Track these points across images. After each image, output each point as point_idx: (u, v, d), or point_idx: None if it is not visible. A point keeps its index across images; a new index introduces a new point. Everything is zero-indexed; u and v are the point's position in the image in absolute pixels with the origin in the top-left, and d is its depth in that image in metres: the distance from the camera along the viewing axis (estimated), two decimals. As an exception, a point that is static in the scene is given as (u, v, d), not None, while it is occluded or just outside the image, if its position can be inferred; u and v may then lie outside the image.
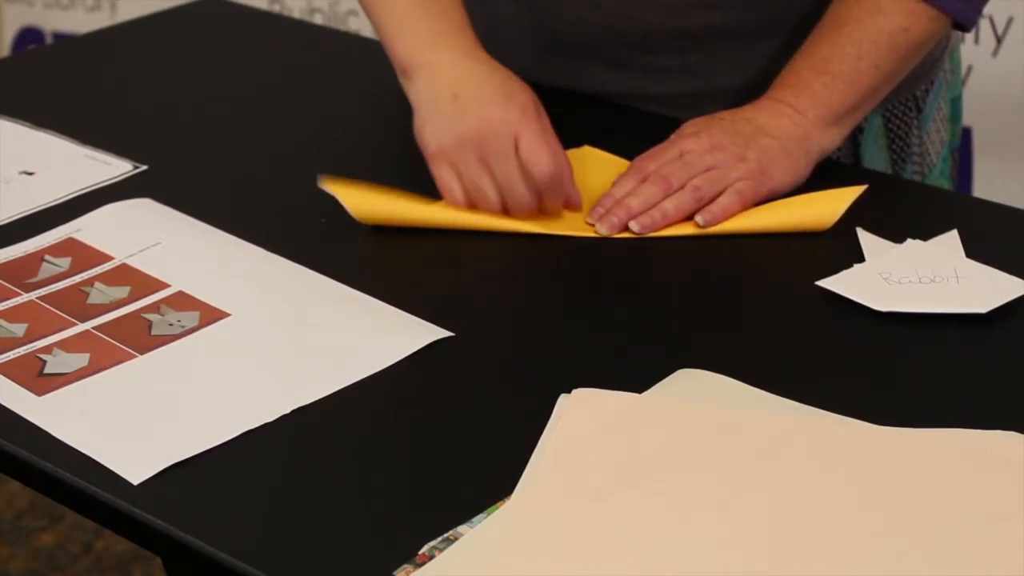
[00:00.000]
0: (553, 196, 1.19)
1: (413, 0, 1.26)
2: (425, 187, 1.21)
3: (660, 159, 1.22)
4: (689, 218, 1.19)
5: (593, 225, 1.19)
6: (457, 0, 1.26)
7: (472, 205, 1.19)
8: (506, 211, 1.19)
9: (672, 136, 1.24)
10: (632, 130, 1.32)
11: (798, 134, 1.22)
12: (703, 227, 1.18)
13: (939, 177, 1.46)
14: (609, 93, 1.37)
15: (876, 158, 1.39)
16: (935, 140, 1.43)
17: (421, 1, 1.26)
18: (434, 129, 1.20)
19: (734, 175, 1.19)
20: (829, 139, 1.24)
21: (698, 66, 1.34)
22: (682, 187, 1.19)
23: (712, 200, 1.19)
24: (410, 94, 1.24)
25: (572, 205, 1.20)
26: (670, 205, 1.19)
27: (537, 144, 1.17)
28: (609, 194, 1.21)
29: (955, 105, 1.46)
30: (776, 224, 1.18)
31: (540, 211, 1.19)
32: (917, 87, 1.39)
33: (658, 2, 1.31)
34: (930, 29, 1.26)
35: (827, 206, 1.18)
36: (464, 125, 1.18)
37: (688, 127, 1.24)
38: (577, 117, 1.33)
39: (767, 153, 1.20)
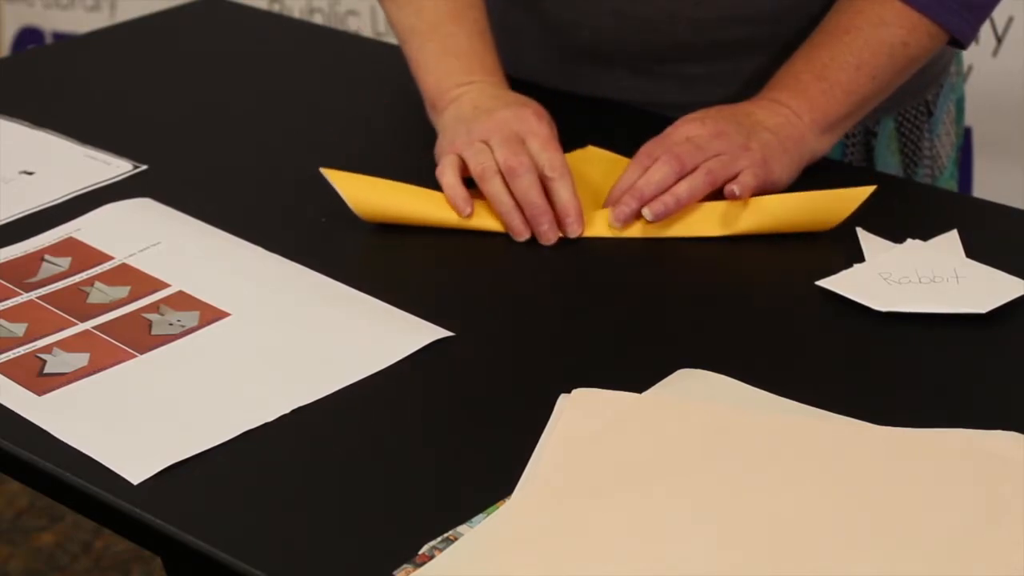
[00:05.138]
0: (559, 190, 1.18)
1: (448, 36, 1.29)
2: (426, 187, 1.21)
3: (666, 143, 1.21)
4: (705, 198, 1.18)
5: (595, 224, 1.19)
6: (490, 42, 1.30)
7: (477, 195, 1.19)
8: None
9: (673, 125, 1.23)
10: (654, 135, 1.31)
11: (795, 135, 1.22)
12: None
13: (949, 179, 1.46)
14: (634, 100, 1.36)
15: (889, 163, 1.39)
16: (945, 143, 1.44)
17: (454, 39, 1.30)
18: (452, 137, 1.23)
19: (742, 163, 1.19)
20: (820, 145, 1.24)
21: (725, 75, 1.34)
22: (695, 169, 1.18)
23: (723, 185, 1.19)
24: (437, 124, 1.28)
25: (564, 212, 1.18)
26: (683, 188, 1.17)
27: (547, 143, 1.20)
28: (618, 184, 1.20)
29: (959, 105, 1.47)
30: (783, 225, 1.18)
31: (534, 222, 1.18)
32: (928, 92, 1.40)
33: (690, 17, 1.30)
34: (928, 45, 1.26)
35: (835, 208, 1.18)
36: (478, 125, 1.21)
37: (689, 116, 1.24)
38: (599, 122, 1.34)
39: (767, 146, 1.20)
